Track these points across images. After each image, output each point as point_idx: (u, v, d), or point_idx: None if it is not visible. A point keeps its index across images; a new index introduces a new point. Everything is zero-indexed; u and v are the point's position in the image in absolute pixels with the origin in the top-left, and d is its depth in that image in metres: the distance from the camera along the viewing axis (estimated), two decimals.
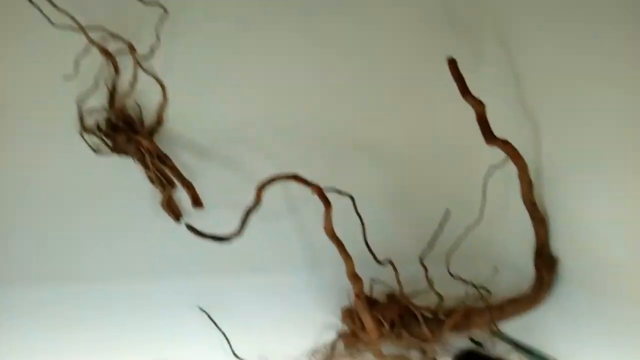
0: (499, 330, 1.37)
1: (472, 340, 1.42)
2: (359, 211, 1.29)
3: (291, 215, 1.45)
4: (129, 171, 1.33)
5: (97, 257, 1.34)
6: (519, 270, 1.35)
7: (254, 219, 1.25)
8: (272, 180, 1.25)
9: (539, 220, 1.32)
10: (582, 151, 1.23)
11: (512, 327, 1.36)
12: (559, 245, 1.29)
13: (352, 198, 1.28)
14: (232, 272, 1.40)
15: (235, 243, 1.25)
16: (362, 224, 1.28)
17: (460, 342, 1.41)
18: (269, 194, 1.26)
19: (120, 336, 1.31)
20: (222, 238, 1.26)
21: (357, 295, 1.26)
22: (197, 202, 1.29)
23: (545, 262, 1.30)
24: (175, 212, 1.35)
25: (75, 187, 1.32)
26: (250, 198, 1.27)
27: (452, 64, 1.30)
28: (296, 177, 1.26)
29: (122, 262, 1.34)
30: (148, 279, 1.35)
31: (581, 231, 1.23)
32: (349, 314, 1.33)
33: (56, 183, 1.34)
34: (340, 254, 1.25)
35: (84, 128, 1.29)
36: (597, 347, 1.17)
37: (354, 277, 1.26)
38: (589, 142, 1.20)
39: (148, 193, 1.35)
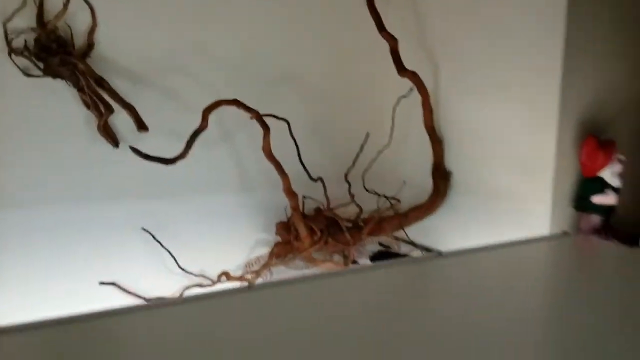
0: (405, 234, 1.63)
1: (381, 244, 1.69)
2: (288, 136, 1.42)
3: (226, 141, 1.53)
4: (61, 94, 1.29)
5: (33, 182, 1.29)
6: (420, 184, 1.61)
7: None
8: (216, 105, 1.32)
9: (437, 142, 1.57)
10: (473, 84, 1.49)
11: (415, 230, 1.63)
12: (452, 161, 1.57)
13: (287, 122, 1.41)
14: (170, 195, 1.45)
15: (174, 168, 1.32)
16: (297, 146, 1.43)
17: (373, 247, 1.67)
18: None
19: (65, 260, 1.32)
20: (167, 160, 1.32)
21: (293, 208, 1.42)
22: (141, 125, 1.29)
23: (441, 176, 1.57)
24: (112, 137, 1.35)
25: (5, 111, 1.25)
26: (183, 125, 1.32)
27: (370, 1, 1.47)
28: (237, 103, 1.35)
29: (60, 188, 1.31)
30: (88, 204, 1.35)
31: (469, 149, 1.51)
32: (284, 226, 1.49)
33: None
34: (278, 172, 1.39)
35: (12, 49, 1.22)
36: (480, 240, 1.49)
37: (290, 193, 1.41)
38: (479, 76, 1.47)
39: (82, 117, 1.33)
